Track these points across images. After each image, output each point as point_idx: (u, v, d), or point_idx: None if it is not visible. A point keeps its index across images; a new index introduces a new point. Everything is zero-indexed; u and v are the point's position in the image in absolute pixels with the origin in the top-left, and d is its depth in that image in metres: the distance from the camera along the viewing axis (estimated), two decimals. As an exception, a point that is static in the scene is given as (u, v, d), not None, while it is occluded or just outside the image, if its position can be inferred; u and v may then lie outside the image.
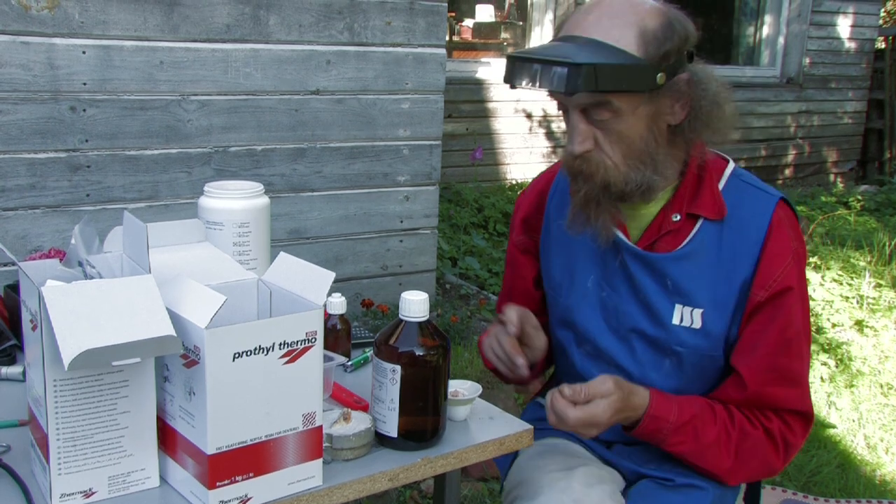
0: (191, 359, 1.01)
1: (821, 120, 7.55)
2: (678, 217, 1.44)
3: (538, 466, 1.48)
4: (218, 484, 1.03)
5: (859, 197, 6.72)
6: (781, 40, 7.23)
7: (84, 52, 2.48)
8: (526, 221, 1.67)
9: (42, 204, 2.52)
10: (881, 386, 3.58)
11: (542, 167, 3.52)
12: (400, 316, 1.22)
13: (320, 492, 1.11)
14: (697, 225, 1.44)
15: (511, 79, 1.36)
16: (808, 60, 7.27)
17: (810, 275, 4.27)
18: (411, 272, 3.23)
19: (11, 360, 1.44)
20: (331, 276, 1.09)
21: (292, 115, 2.87)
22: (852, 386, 3.54)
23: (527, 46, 6.24)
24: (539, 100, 5.70)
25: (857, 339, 3.87)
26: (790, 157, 7.46)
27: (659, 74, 1.32)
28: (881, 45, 8.14)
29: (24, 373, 1.35)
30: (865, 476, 2.90)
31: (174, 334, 0.98)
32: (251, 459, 1.05)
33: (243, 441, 1.04)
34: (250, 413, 1.04)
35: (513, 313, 1.48)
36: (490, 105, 5.70)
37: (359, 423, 1.21)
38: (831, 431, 3.20)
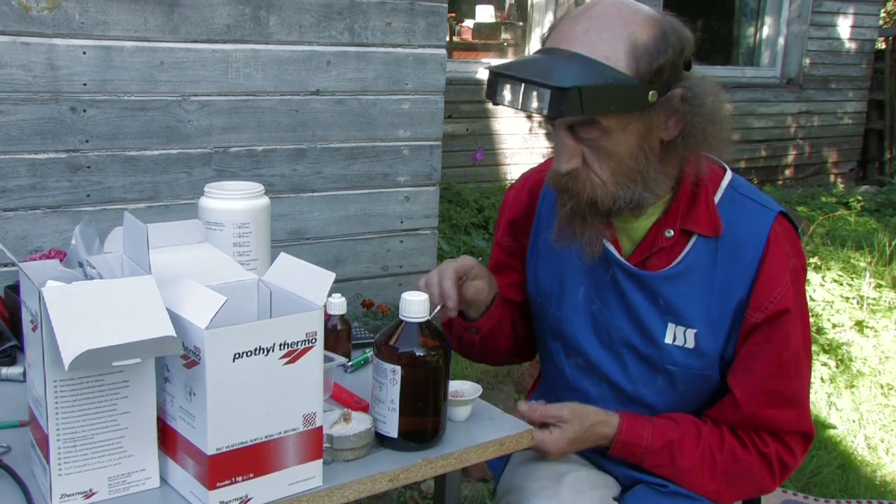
0: (191, 359, 1.01)
1: (821, 120, 7.55)
2: (671, 233, 1.39)
3: (528, 472, 1.47)
4: (218, 484, 1.03)
5: (859, 197, 6.72)
6: (781, 41, 7.23)
7: (84, 53, 2.48)
8: (513, 224, 1.61)
9: (42, 204, 2.52)
10: (881, 386, 3.57)
11: (543, 168, 3.50)
12: (400, 316, 1.22)
13: (320, 492, 1.11)
14: (691, 241, 1.39)
15: (492, 95, 1.28)
16: (808, 61, 7.27)
17: (811, 275, 4.27)
18: (412, 273, 3.23)
19: (12, 361, 1.44)
20: (331, 276, 1.09)
21: (292, 116, 2.87)
22: (853, 386, 3.54)
23: (526, 47, 6.25)
24: (539, 100, 5.68)
25: (857, 340, 3.87)
26: (790, 157, 7.46)
27: (651, 92, 1.25)
28: (881, 45, 8.14)
29: (24, 373, 1.35)
30: (866, 477, 2.90)
31: (174, 335, 0.98)
32: (251, 460, 1.05)
33: (243, 441, 1.04)
34: (250, 413, 1.03)
35: (452, 291, 1.40)
36: (490, 106, 5.70)
37: (359, 423, 1.21)
38: (832, 432, 3.20)
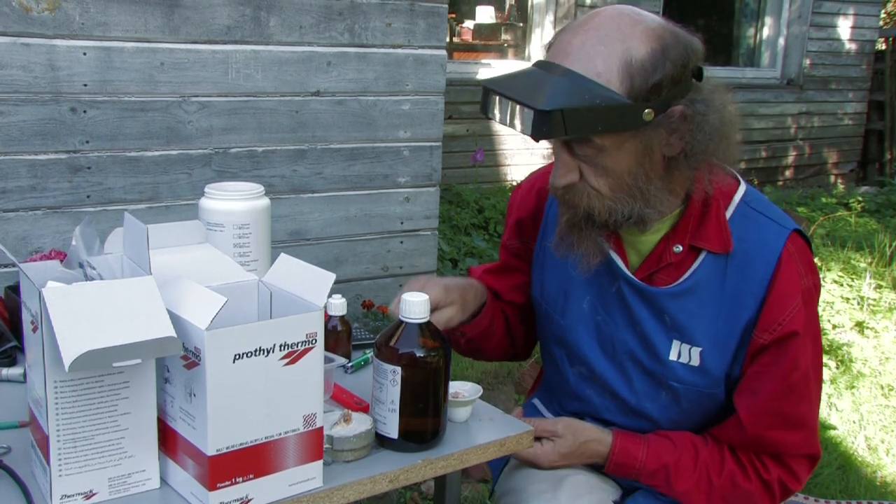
0: (191, 360, 1.01)
1: (821, 121, 7.56)
2: (680, 248, 1.35)
3: (527, 475, 1.46)
4: (218, 485, 1.03)
5: (860, 198, 6.73)
6: (782, 41, 7.24)
7: (85, 54, 2.48)
8: (519, 225, 1.59)
9: (43, 205, 2.52)
10: (882, 387, 3.57)
11: (543, 168, 3.50)
12: (400, 317, 1.22)
13: (321, 493, 1.11)
14: (700, 258, 1.35)
15: (484, 109, 1.27)
16: (808, 62, 7.27)
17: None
18: (412, 273, 3.22)
19: (12, 362, 1.44)
20: (331, 277, 1.09)
21: (293, 117, 2.87)
22: (853, 387, 3.54)
23: (526, 48, 6.25)
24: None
25: (857, 341, 3.87)
26: (790, 158, 7.46)
27: (646, 111, 1.20)
28: (881, 46, 8.14)
29: (24, 374, 1.35)
30: (866, 477, 2.90)
31: (174, 336, 0.98)
32: (252, 461, 1.05)
33: (244, 442, 1.04)
34: (251, 414, 1.03)
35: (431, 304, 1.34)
36: (490, 106, 5.70)
37: (359, 424, 1.21)
38: (832, 433, 3.20)
